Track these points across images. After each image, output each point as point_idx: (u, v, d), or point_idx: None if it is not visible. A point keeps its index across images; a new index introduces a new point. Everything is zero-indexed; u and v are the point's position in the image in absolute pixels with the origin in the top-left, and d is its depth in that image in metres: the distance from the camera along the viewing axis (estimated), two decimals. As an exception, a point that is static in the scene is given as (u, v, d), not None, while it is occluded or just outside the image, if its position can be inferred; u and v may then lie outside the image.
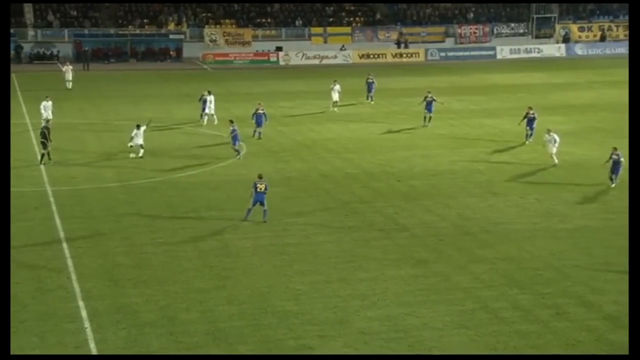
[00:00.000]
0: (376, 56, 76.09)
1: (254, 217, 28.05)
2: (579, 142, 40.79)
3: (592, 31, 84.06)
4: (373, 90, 51.68)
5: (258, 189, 27.64)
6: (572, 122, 45.78)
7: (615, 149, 32.60)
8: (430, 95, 44.52)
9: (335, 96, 48.34)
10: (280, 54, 74.43)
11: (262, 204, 27.73)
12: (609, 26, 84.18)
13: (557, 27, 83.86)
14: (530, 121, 39.82)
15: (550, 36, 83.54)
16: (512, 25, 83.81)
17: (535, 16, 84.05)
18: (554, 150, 35.63)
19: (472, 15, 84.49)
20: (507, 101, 53.14)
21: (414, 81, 61.25)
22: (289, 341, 19.33)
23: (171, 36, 75.19)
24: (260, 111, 40.73)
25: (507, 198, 31.14)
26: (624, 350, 18.74)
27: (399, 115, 47.97)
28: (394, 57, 76.18)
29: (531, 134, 39.78)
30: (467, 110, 49.20)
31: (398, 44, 77.46)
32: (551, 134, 35.93)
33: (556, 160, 35.63)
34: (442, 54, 77.52)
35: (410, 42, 78.65)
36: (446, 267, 23.98)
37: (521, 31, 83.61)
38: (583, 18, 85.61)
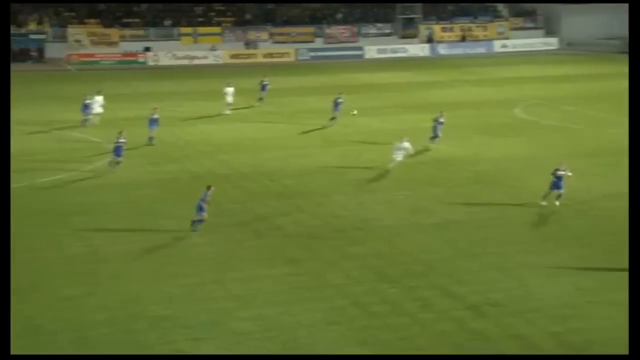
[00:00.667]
0: (247, 56, 76.15)
1: (122, 222, 27.57)
2: (444, 139, 42.13)
3: (453, 31, 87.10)
4: (265, 92, 51.24)
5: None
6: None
7: (560, 164, 30.03)
8: (340, 97, 45.03)
9: (229, 99, 48.02)
10: (149, 54, 73.27)
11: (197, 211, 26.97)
12: (469, 27, 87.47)
13: (421, 27, 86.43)
14: (436, 126, 39.18)
15: (415, 36, 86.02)
16: (379, 25, 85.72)
17: (400, 17, 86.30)
18: (399, 158, 34.97)
19: (340, 15, 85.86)
20: (376, 100, 54.35)
21: (284, 81, 61.65)
22: (160, 346, 19.14)
23: (32, 36, 72.65)
24: (154, 116, 39.95)
25: (377, 195, 31.87)
26: (486, 339, 19.58)
27: (272, 115, 48.21)
28: (264, 57, 76.43)
29: (435, 136, 39.18)
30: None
31: (247, 43, 77.72)
32: (404, 142, 35.38)
33: (391, 166, 35.01)
34: (312, 54, 78.42)
35: (281, 42, 79.13)
36: (318, 265, 24.35)
37: (387, 31, 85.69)
38: (445, 19, 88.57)
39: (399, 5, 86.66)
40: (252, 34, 79.19)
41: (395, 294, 22.19)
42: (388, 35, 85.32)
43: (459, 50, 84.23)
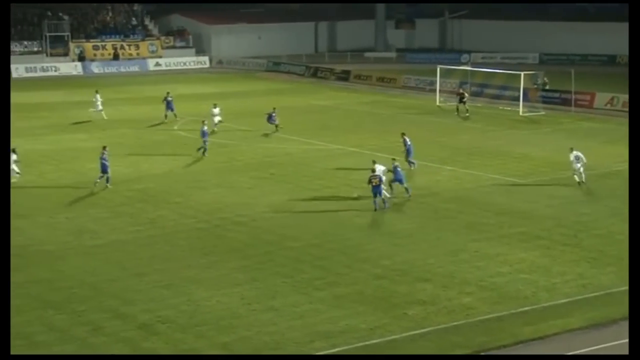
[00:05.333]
0: None
1: None
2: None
3: (106, 49, 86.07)
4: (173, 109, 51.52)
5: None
6: (94, 139, 46.17)
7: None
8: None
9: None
10: None
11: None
12: (121, 45, 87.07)
13: (72, 45, 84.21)
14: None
15: (66, 54, 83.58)
16: (26, 43, 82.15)
17: (48, 34, 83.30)
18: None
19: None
20: (26, 121, 51.95)
21: None
22: None
23: None
24: None
25: (35, 219, 30.43)
26: (185, 351, 19.63)
27: None
28: None
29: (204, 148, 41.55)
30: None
31: None
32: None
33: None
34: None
35: None
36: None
37: (35, 49, 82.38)
38: (95, 37, 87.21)
39: (45, 22, 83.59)
40: None
41: (62, 320, 21.39)
42: (36, 53, 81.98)
43: (113, 68, 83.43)
